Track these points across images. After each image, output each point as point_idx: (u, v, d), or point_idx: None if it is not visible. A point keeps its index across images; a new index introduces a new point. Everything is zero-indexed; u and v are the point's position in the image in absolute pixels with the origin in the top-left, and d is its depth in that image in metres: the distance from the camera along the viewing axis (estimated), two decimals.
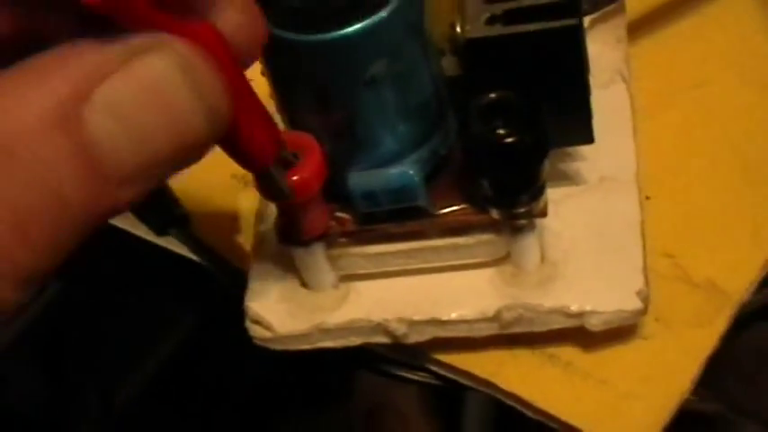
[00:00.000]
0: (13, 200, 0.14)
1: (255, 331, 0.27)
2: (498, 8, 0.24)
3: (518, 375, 0.28)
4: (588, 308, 0.26)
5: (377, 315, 0.27)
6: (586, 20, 0.32)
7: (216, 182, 0.32)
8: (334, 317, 0.27)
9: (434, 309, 0.27)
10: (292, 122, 0.25)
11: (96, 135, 0.14)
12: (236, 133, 0.19)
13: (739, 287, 0.28)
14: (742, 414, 0.29)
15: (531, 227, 0.26)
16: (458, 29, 0.24)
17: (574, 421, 0.27)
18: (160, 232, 0.32)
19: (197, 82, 0.16)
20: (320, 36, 0.22)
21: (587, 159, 0.28)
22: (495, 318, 0.26)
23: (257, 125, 0.20)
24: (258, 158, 0.21)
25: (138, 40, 0.15)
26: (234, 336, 0.28)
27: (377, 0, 0.22)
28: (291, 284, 0.28)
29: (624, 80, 0.31)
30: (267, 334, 0.27)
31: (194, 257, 0.32)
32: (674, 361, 0.27)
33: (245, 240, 0.31)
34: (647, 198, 0.29)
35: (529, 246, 0.26)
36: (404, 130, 0.24)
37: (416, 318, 0.26)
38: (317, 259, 0.26)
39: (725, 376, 0.28)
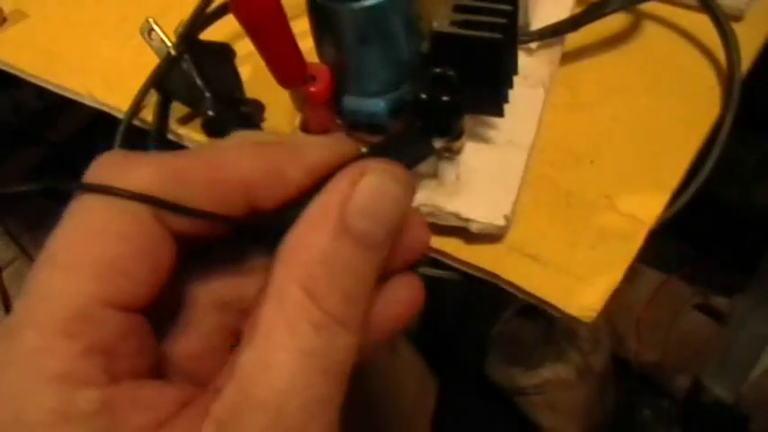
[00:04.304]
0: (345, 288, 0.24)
1: None
2: (460, 17, 0.38)
3: None
4: (472, 216, 0.40)
5: None
6: (534, 44, 0.46)
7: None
8: None
9: None
10: (320, 57, 0.40)
11: (359, 229, 0.25)
12: (281, 64, 0.34)
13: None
14: None
15: (451, 158, 0.40)
16: (433, 24, 0.38)
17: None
18: None
19: (399, 179, 0.26)
20: (340, 6, 0.36)
21: (501, 129, 0.43)
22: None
23: (294, 60, 0.35)
24: (291, 79, 0.36)
25: (352, 170, 0.25)
26: None
27: None
28: None
29: (544, 88, 0.45)
30: None
31: None
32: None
33: None
34: (592, 162, 0.44)
35: (446, 170, 0.41)
36: (383, 78, 0.39)
37: None
38: None
39: None
